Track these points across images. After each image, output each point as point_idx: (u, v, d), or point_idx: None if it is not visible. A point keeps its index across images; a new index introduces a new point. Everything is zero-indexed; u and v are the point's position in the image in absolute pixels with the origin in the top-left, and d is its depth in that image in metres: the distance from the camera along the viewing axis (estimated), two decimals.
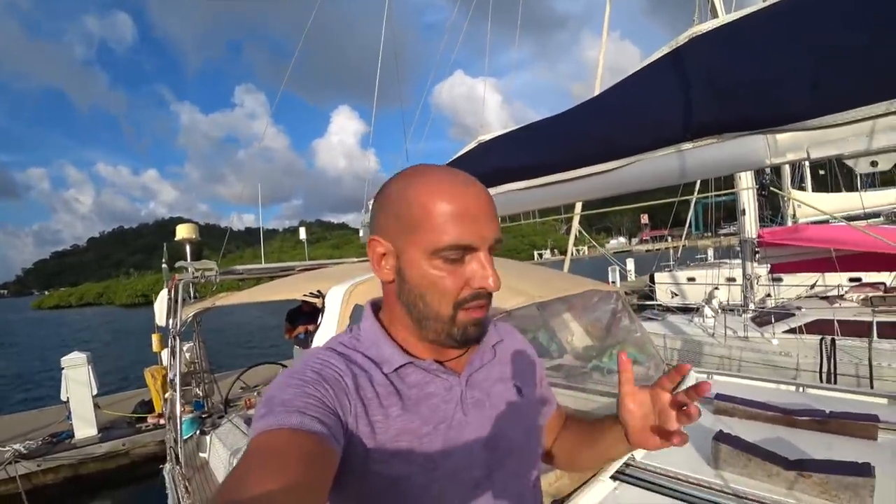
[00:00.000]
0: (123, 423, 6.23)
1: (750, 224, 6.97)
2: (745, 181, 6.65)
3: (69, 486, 5.46)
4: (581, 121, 2.14)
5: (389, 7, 4.42)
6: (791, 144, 1.49)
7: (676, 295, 11.22)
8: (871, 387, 4.05)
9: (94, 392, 5.92)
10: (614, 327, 2.75)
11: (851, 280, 7.63)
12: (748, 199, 7.01)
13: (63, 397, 5.83)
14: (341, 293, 1.87)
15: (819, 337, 5.13)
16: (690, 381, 2.71)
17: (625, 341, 2.74)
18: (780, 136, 1.49)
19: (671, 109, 1.70)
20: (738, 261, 8.48)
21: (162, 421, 5.99)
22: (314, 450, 0.49)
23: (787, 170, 8.91)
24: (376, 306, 0.72)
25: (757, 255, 6.90)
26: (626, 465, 1.71)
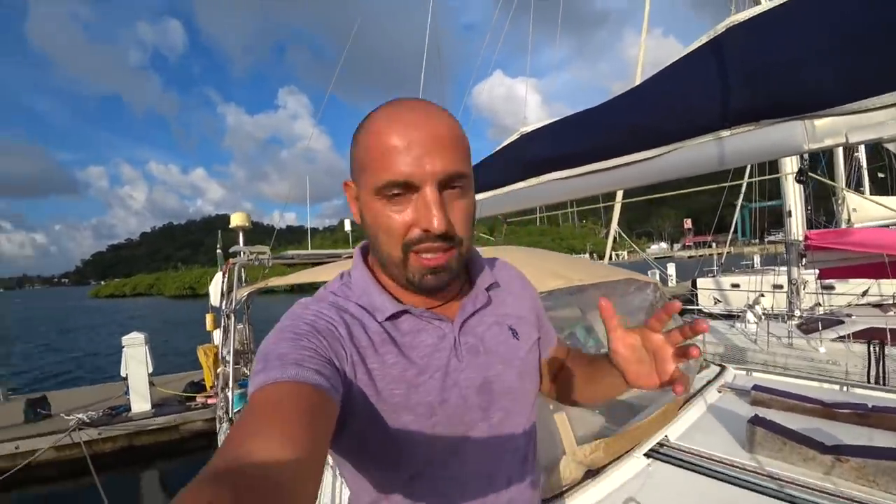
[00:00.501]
0: (175, 400, 6.64)
1: (796, 226, 6.66)
2: (790, 167, 6.31)
3: (124, 454, 5.91)
4: (621, 110, 2.18)
5: (434, 9, 4.53)
6: (829, 130, 1.50)
7: (719, 301, 10.83)
8: None
9: (150, 370, 6.37)
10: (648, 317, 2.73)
11: None
12: (794, 199, 6.70)
13: (122, 373, 6.31)
14: None
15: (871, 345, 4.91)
16: (729, 375, 2.67)
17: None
18: (817, 122, 1.51)
19: (710, 97, 1.73)
20: (782, 268, 8.14)
21: (211, 400, 6.34)
22: (314, 401, 0.48)
23: (841, 170, 8.46)
24: (365, 251, 0.71)
25: (804, 260, 6.61)
26: (660, 444, 1.72)
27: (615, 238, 6.32)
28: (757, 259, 15.49)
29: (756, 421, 1.74)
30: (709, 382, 2.46)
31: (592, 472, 1.54)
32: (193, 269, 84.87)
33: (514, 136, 2.68)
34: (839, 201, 8.82)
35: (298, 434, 0.43)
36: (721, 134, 1.75)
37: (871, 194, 11.13)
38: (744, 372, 2.78)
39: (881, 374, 3.69)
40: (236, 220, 4.66)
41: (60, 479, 5.44)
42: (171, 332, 21.00)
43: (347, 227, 8.65)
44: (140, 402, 6.30)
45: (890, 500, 1.36)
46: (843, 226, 8.53)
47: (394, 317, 0.63)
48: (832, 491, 1.42)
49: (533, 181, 2.53)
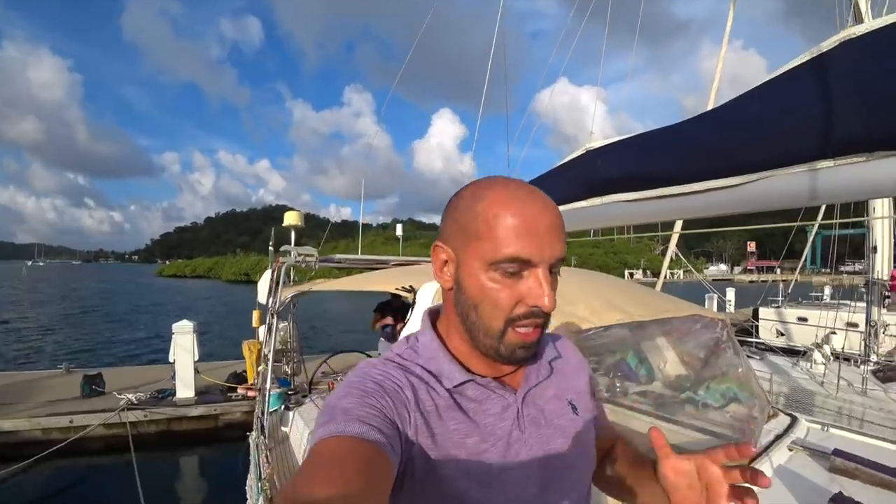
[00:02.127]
0: (217, 389, 6.84)
1: (882, 262, 6.06)
2: (882, 210, 5.78)
3: (168, 437, 6.13)
4: (703, 131, 1.98)
5: (502, 13, 4.42)
6: None
7: (783, 335, 10.08)
8: None
9: (196, 358, 6.58)
10: (715, 358, 2.52)
11: None
12: (882, 232, 6.09)
13: (171, 359, 6.55)
14: (433, 290, 1.87)
15: None
16: (801, 430, 2.40)
17: (726, 375, 2.50)
18: None
19: (811, 121, 1.53)
20: (862, 304, 7.46)
21: (251, 393, 6.49)
22: (374, 459, 0.49)
23: None
24: (434, 315, 0.72)
25: (887, 301, 6.03)
26: None
27: (671, 257, 5.99)
28: (827, 291, 14.44)
29: (838, 500, 1.52)
30: (778, 437, 2.18)
31: None
32: (250, 256, 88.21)
33: (580, 151, 2.51)
34: None
35: (358, 486, 0.44)
36: (820, 164, 1.53)
37: None
38: (818, 427, 2.48)
39: None
40: (290, 218, 4.71)
41: (105, 453, 5.69)
42: (222, 318, 21.93)
43: (399, 231, 8.73)
44: (184, 389, 6.52)
45: None
46: None
47: (460, 385, 0.64)
48: None
49: (597, 201, 2.36)
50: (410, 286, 2.22)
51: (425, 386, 0.63)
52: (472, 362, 0.65)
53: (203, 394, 6.65)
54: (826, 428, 2.52)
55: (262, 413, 3.27)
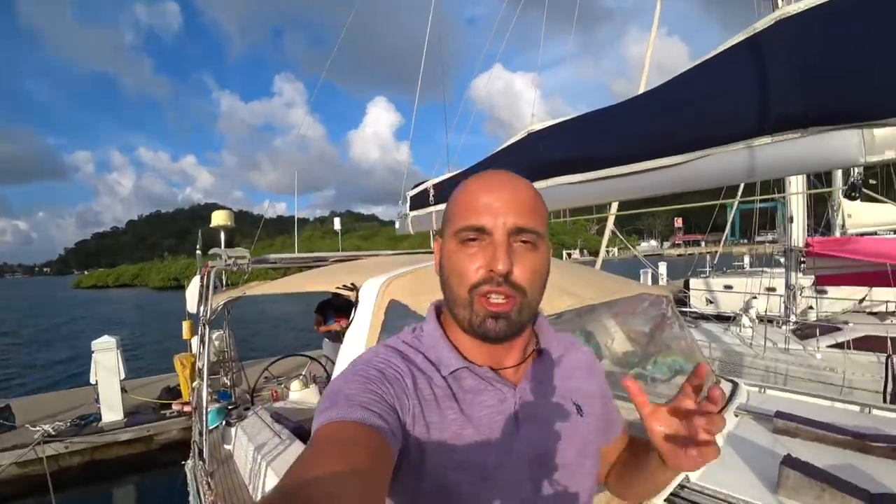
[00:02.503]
0: (149, 408, 6.29)
1: (798, 232, 6.57)
2: (796, 185, 6.27)
3: (94, 468, 5.51)
4: (645, 111, 1.99)
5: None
6: (892, 140, 1.31)
7: (711, 302, 10.78)
8: None
9: (122, 376, 5.96)
10: (661, 333, 2.58)
11: None
12: (798, 205, 6.60)
13: (92, 380, 5.89)
14: (377, 287, 1.76)
15: (871, 353, 4.84)
16: (742, 395, 2.53)
17: (671, 348, 2.56)
18: (878, 131, 1.31)
19: (748, 100, 1.55)
20: (779, 270, 8.08)
21: (187, 408, 6.04)
22: (375, 444, 0.50)
23: (839, 176, 8.39)
24: (440, 308, 0.72)
25: (802, 266, 6.55)
26: (681, 486, 1.60)
27: (601, 235, 6.17)
28: (746, 260, 15.62)
29: (789, 463, 1.58)
30: (720, 409, 2.28)
31: None
32: (179, 260, 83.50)
33: (522, 135, 2.45)
34: (835, 207, 8.78)
35: (361, 468, 0.45)
36: (758, 141, 1.56)
37: (861, 201, 11.10)
38: (756, 389, 2.66)
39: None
40: (218, 218, 4.30)
41: (20, 497, 5.04)
42: (152, 328, 20.47)
43: (337, 225, 8.40)
44: (110, 413, 5.90)
45: None
46: (838, 232, 8.53)
47: (456, 371, 0.64)
48: None
49: (541, 185, 2.30)
50: (352, 284, 2.11)
51: (424, 375, 0.64)
52: (470, 352, 0.66)
53: (133, 414, 6.07)
54: (763, 390, 2.72)
55: (200, 434, 3.00)
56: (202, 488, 2.57)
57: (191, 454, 3.34)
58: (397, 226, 4.06)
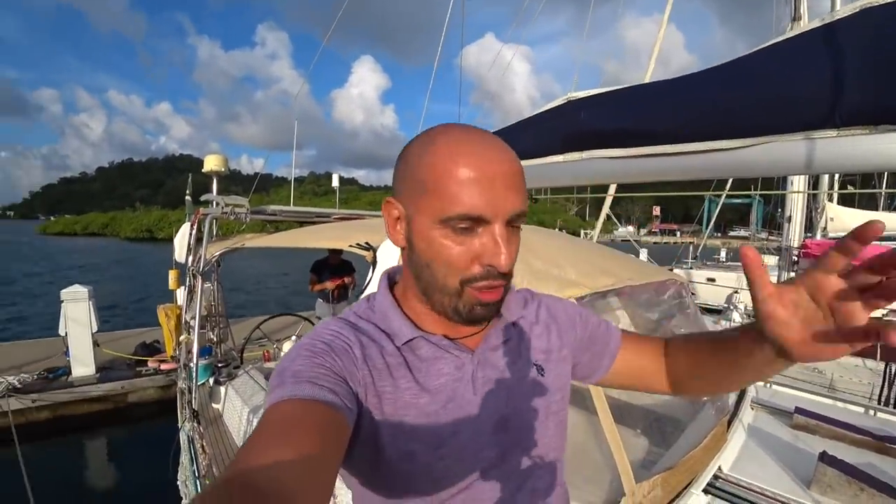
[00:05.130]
0: (123, 364, 6.03)
1: (795, 232, 6.59)
2: (798, 185, 6.25)
3: (62, 424, 5.26)
4: (703, 91, 1.91)
5: None
6: None
7: (693, 294, 10.95)
8: None
9: (94, 329, 5.67)
10: (675, 321, 2.54)
11: None
12: (797, 205, 6.60)
13: (61, 332, 5.57)
14: (397, 248, 1.67)
15: (858, 357, 4.91)
16: (752, 388, 2.58)
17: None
18: None
19: (820, 88, 1.46)
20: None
21: (164, 366, 5.82)
22: (326, 419, 0.48)
23: (825, 180, 8.52)
24: (391, 276, 0.70)
25: (796, 266, 6.60)
26: (716, 476, 1.63)
27: (583, 217, 6.08)
28: (723, 253, 15.97)
29: (827, 460, 1.61)
30: (739, 398, 2.36)
31: None
32: (152, 211, 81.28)
33: (560, 101, 2.31)
34: (819, 209, 8.97)
35: (310, 449, 0.44)
36: (823, 134, 1.47)
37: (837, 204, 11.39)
38: (762, 384, 2.75)
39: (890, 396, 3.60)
40: (211, 163, 4.03)
41: None
42: (126, 281, 19.72)
43: (335, 182, 8.09)
44: (81, 367, 5.62)
45: None
46: (819, 234, 8.70)
47: (410, 341, 0.62)
48: None
49: (575, 156, 2.18)
50: (367, 243, 1.99)
51: (376, 344, 0.61)
52: (426, 322, 0.63)
53: (106, 370, 5.81)
54: (769, 385, 2.80)
55: (190, 391, 2.83)
56: (197, 450, 2.45)
57: (180, 414, 3.18)
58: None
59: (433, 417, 0.60)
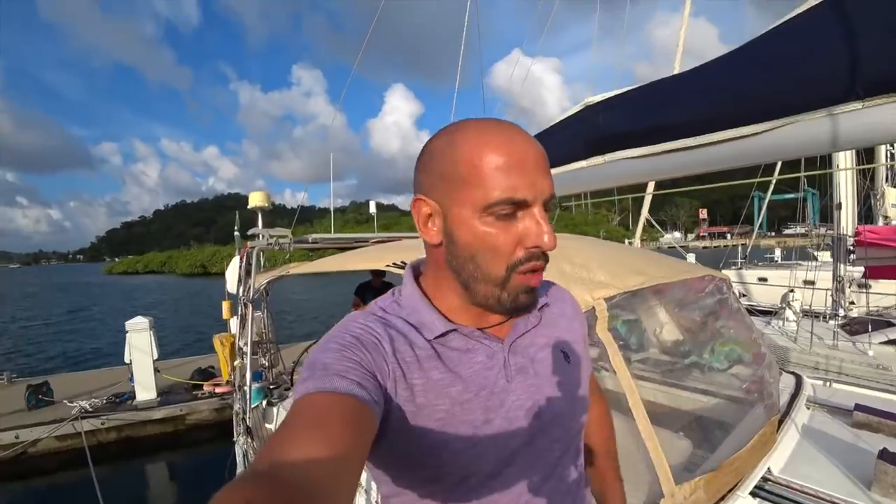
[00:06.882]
0: (181, 388, 6.37)
1: (847, 220, 6.19)
2: (845, 161, 5.87)
3: (128, 445, 5.63)
4: (718, 77, 1.87)
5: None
6: None
7: (745, 295, 10.43)
8: None
9: (155, 356, 6.06)
10: (718, 320, 2.45)
11: None
12: (846, 190, 6.19)
13: (126, 359, 6.00)
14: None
15: None
16: (807, 388, 2.39)
17: (729, 336, 2.42)
18: None
19: (839, 61, 1.41)
20: (814, 263, 7.72)
21: (219, 389, 6.08)
22: (354, 413, 0.49)
23: (882, 152, 7.91)
24: (416, 270, 0.70)
25: (851, 256, 6.20)
26: (764, 479, 1.53)
27: (626, 227, 5.95)
28: (778, 252, 15.13)
29: (888, 457, 1.46)
30: (793, 397, 2.20)
31: None
32: (205, 248, 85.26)
33: (578, 107, 2.33)
34: (878, 195, 8.35)
35: (337, 441, 0.44)
36: (848, 107, 1.42)
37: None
38: (820, 382, 2.55)
39: None
40: (255, 199, 4.33)
41: (60, 470, 5.16)
42: (183, 313, 20.86)
43: (372, 208, 8.38)
44: (144, 391, 6.01)
45: None
46: (881, 221, 8.11)
47: (443, 335, 0.62)
48: None
49: (599, 160, 2.18)
50: (403, 262, 2.03)
51: (404, 338, 0.61)
52: (457, 315, 0.63)
53: (166, 394, 6.17)
54: (828, 383, 2.60)
55: (244, 411, 2.98)
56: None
57: (235, 431, 3.32)
58: None
59: (466, 406, 0.60)
